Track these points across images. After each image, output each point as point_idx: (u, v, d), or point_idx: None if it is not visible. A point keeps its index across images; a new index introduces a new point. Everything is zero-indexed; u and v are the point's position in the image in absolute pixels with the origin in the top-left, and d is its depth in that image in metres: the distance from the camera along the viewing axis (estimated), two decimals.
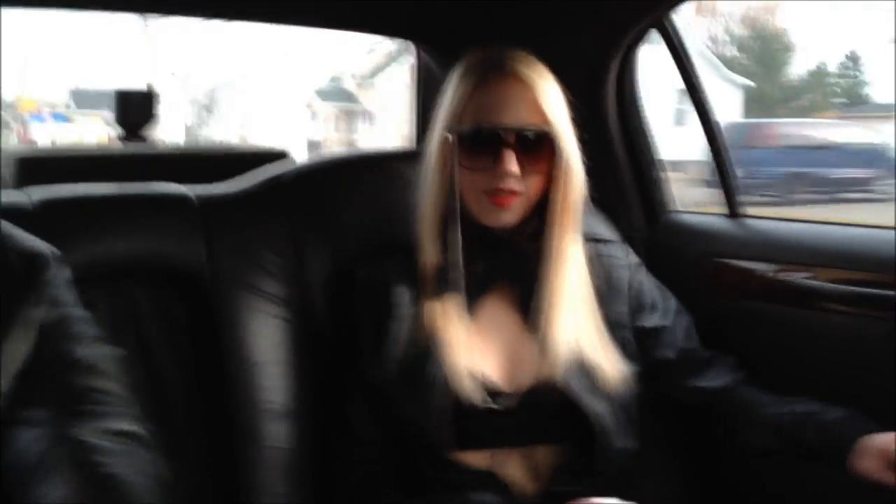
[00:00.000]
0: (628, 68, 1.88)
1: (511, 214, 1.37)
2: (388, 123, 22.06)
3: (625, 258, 1.52)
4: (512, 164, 1.33)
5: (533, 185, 1.36)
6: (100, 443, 0.98)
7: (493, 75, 1.36)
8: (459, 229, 1.37)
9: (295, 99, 26.52)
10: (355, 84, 27.54)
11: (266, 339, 1.48)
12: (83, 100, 23.22)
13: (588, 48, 1.83)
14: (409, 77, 2.15)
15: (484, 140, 1.34)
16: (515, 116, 1.34)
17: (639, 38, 1.83)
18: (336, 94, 27.75)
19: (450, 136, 1.36)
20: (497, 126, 1.34)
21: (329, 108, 27.39)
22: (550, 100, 1.36)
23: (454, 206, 1.37)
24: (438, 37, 1.98)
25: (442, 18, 1.91)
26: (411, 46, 2.09)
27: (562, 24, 1.79)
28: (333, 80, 28.59)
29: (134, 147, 2.88)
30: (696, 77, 1.79)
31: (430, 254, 1.40)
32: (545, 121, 1.34)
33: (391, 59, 22.00)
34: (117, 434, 1.01)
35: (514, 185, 1.34)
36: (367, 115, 26.33)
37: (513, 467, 1.37)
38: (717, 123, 1.80)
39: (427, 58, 2.06)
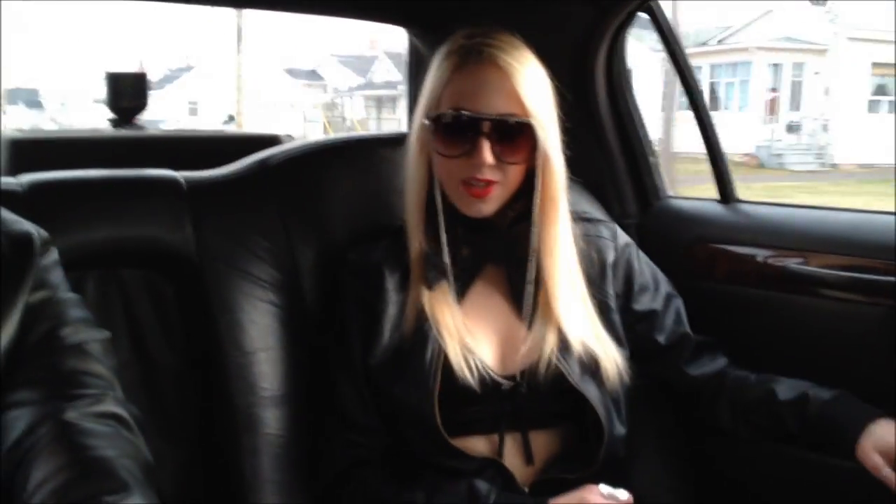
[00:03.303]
0: (617, 52, 1.87)
1: (488, 205, 1.34)
2: None
3: (611, 238, 1.50)
4: (487, 154, 1.30)
5: (511, 174, 1.34)
6: (86, 425, 0.98)
7: (471, 61, 1.32)
8: (443, 216, 1.35)
9: None
10: None
11: (257, 324, 1.48)
12: (16, 96, 33.02)
13: (575, 31, 1.82)
14: None
15: (460, 127, 1.31)
16: (492, 104, 1.30)
17: (627, 21, 1.82)
18: None
19: (427, 122, 1.35)
20: (473, 114, 1.30)
21: None
22: (530, 88, 1.32)
23: (435, 194, 1.35)
24: (426, 21, 1.98)
25: (429, 3, 1.91)
26: None
27: (549, 7, 1.79)
28: None
29: (126, 132, 2.88)
30: (687, 62, 1.79)
31: (416, 240, 1.39)
32: (524, 110, 1.31)
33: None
34: (103, 416, 1.00)
35: (489, 174, 1.31)
36: None
37: (510, 453, 1.36)
38: (707, 109, 1.80)
39: (418, 43, 2.05)
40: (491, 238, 1.40)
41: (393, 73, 30.20)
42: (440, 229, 1.36)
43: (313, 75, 35.69)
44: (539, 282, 1.38)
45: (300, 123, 27.77)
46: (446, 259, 1.36)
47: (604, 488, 1.26)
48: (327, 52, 38.56)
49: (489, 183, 1.32)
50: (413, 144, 1.39)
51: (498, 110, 1.31)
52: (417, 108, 1.39)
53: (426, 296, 1.36)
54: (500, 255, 1.41)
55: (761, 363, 1.52)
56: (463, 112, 1.31)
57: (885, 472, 1.28)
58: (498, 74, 1.31)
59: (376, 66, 32.47)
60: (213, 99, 29.52)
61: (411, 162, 1.39)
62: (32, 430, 0.96)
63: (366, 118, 31.02)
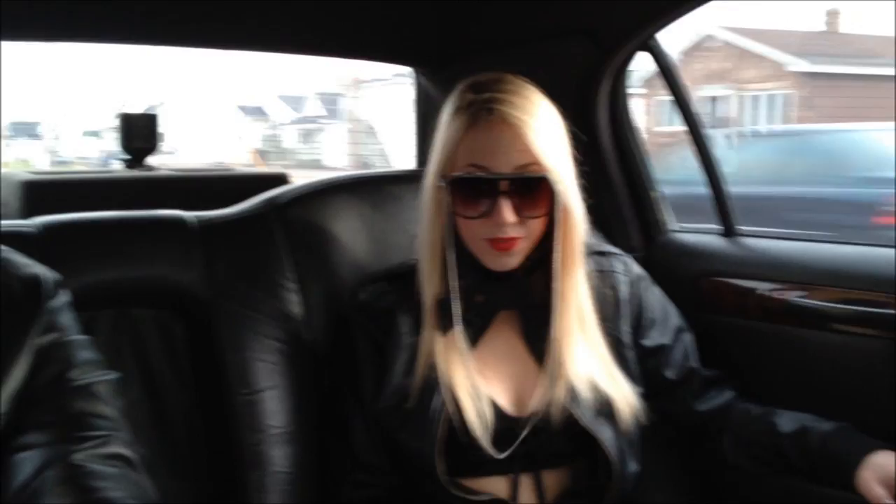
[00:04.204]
0: (620, 89, 1.89)
1: (513, 258, 1.33)
2: None
3: (625, 272, 1.48)
4: (508, 214, 1.28)
5: (534, 227, 1.32)
6: (93, 466, 1.00)
7: (482, 120, 1.30)
8: (455, 269, 1.33)
9: None
10: None
11: (266, 362, 1.49)
12: (19, 129, 36.55)
13: (578, 69, 1.84)
14: None
15: (478, 188, 1.30)
16: (508, 161, 1.28)
17: (628, 59, 1.84)
18: None
19: (443, 184, 1.32)
20: (490, 173, 1.29)
21: None
22: (543, 140, 1.29)
23: (450, 251, 1.33)
24: (433, 61, 2.01)
25: (435, 45, 1.94)
26: None
27: (551, 46, 1.82)
28: None
29: (137, 172, 2.91)
30: (688, 97, 1.81)
31: (430, 289, 1.37)
32: (540, 163, 1.29)
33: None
34: (110, 458, 1.02)
35: (512, 232, 1.30)
36: None
37: (523, 492, 1.36)
38: (709, 143, 1.82)
39: (425, 82, 2.08)
40: (506, 287, 1.38)
41: (319, 110, 35.32)
42: (452, 283, 1.33)
43: (260, 111, 39.64)
44: (553, 327, 1.36)
45: (230, 152, 31.85)
46: (458, 309, 1.33)
47: None
48: (272, 91, 43.97)
49: (514, 239, 1.30)
50: (428, 202, 1.36)
51: (514, 166, 1.28)
52: (429, 164, 1.37)
53: (439, 343, 1.35)
54: (515, 303, 1.40)
55: (766, 395, 1.52)
56: (478, 173, 1.29)
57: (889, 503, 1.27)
58: (510, 133, 1.28)
59: (307, 103, 37.43)
60: (177, 132, 32.18)
61: (426, 219, 1.36)
62: (40, 472, 0.98)
63: (295, 148, 36.12)
